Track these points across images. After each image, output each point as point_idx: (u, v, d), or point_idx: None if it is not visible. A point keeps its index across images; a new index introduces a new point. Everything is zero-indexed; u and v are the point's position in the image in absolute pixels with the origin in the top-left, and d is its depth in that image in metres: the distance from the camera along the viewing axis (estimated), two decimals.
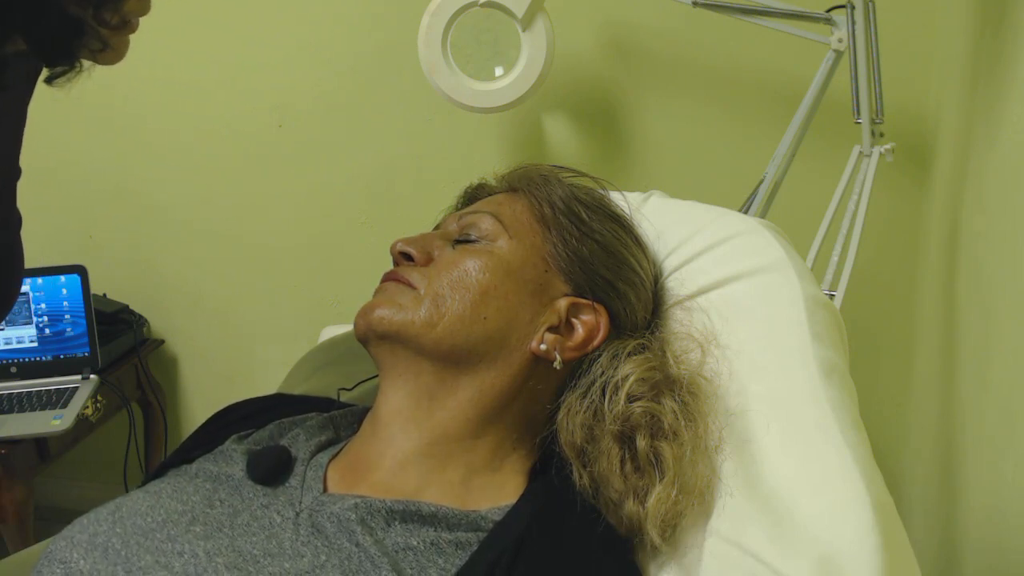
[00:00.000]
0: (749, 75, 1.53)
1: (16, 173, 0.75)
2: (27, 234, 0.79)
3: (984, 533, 1.04)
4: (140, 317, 1.84)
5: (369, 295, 0.74)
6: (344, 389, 0.90)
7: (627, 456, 0.65)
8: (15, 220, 0.77)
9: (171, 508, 0.62)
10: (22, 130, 0.74)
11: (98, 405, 1.61)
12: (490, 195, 0.81)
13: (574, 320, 0.72)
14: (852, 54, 1.17)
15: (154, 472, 0.74)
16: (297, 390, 0.99)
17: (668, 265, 0.82)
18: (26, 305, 1.64)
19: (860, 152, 1.20)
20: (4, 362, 1.64)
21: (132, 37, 0.58)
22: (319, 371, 1.03)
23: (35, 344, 1.65)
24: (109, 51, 0.56)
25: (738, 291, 0.77)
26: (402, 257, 0.75)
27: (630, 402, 0.66)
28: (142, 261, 1.88)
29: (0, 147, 0.73)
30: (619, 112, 1.60)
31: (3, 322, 1.62)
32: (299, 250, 1.82)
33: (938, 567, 1.22)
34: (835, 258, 1.13)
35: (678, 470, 0.64)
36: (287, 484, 0.66)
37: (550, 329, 0.71)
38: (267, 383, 1.13)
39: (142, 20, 0.58)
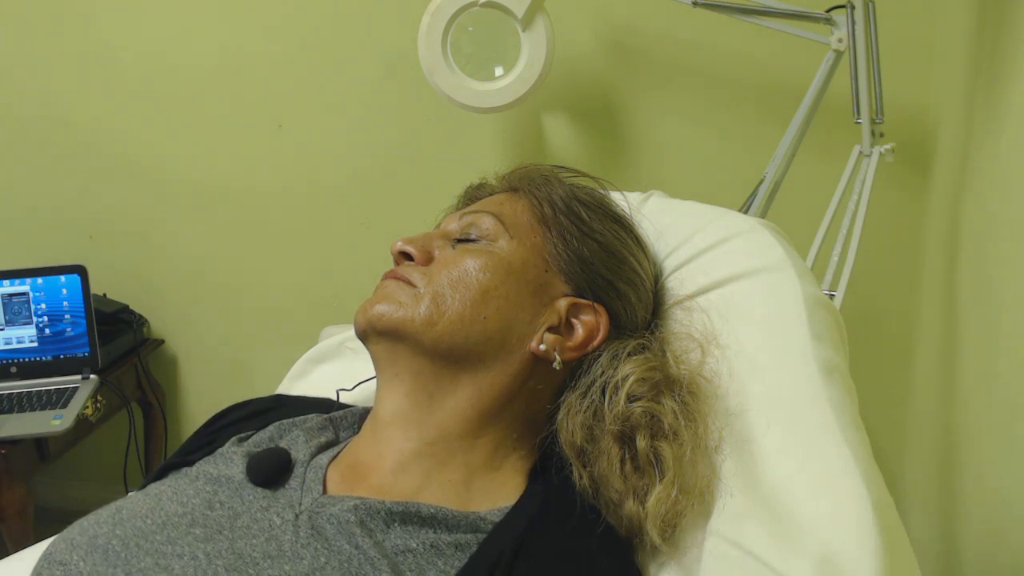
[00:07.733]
0: (749, 75, 1.53)
1: None
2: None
3: (984, 533, 1.04)
4: (140, 317, 1.85)
5: (369, 295, 0.74)
6: (344, 389, 0.90)
7: (627, 456, 0.65)
8: None
9: (171, 510, 0.62)
10: None
11: (98, 405, 1.61)
12: (490, 195, 0.81)
13: (574, 320, 0.72)
14: (852, 54, 1.17)
15: (154, 474, 0.74)
16: (296, 390, 0.99)
17: (668, 265, 0.82)
18: (26, 305, 1.64)
19: (860, 152, 1.20)
20: (4, 362, 1.64)
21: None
22: (318, 371, 1.03)
23: (35, 344, 1.65)
24: None
25: (738, 291, 0.77)
26: (402, 256, 0.75)
27: (630, 402, 0.66)
28: (142, 261, 1.88)
29: None
30: (619, 112, 1.60)
31: (3, 322, 1.63)
32: (299, 250, 1.83)
33: (938, 567, 1.22)
34: (835, 258, 1.13)
35: (678, 470, 0.64)
36: (287, 486, 0.66)
37: (550, 329, 0.71)
38: (267, 383, 1.13)
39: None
